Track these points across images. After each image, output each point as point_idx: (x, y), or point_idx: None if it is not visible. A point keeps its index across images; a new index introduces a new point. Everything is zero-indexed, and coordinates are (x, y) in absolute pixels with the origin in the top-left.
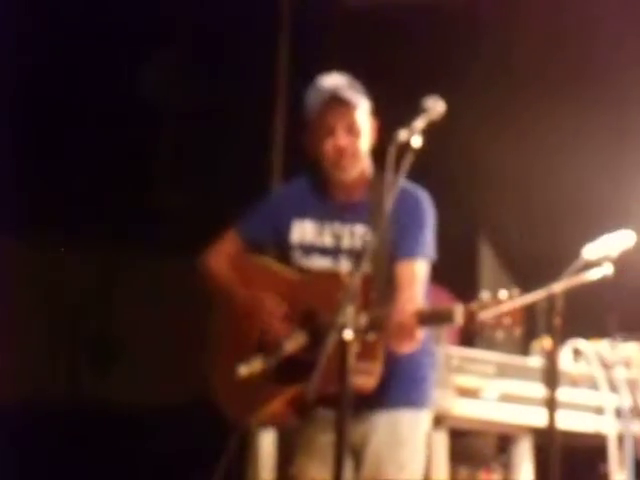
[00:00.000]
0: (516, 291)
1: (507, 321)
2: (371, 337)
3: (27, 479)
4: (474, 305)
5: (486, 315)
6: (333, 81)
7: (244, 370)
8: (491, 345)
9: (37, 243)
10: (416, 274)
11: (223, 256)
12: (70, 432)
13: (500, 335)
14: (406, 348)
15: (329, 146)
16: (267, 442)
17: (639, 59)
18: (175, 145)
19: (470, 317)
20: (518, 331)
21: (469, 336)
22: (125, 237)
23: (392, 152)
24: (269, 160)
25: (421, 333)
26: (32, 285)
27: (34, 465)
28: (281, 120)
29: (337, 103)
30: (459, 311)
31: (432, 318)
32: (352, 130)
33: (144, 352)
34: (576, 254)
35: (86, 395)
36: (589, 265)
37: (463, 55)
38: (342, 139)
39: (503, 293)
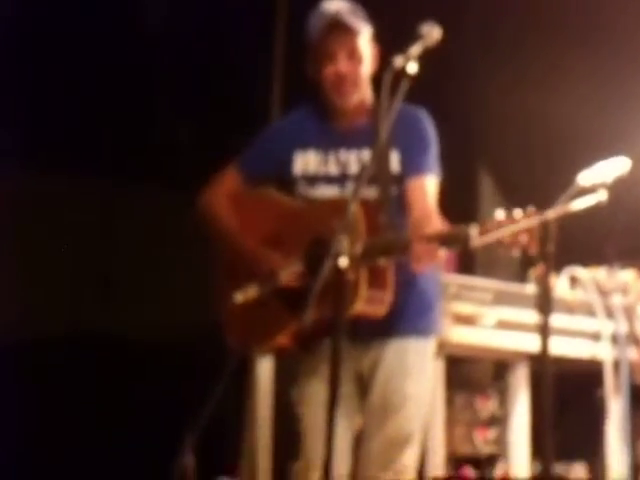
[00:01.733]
0: (532, 209)
1: (523, 239)
2: (381, 262)
3: (30, 413)
4: (489, 224)
5: (501, 234)
6: (335, 6)
7: (239, 297)
8: (489, 272)
9: (38, 180)
10: (427, 189)
11: (224, 194)
12: (72, 365)
13: (516, 254)
14: (427, 268)
15: (330, 72)
16: (266, 367)
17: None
18: (174, 78)
19: (485, 237)
20: (534, 250)
21: (467, 263)
22: (124, 172)
23: (388, 79)
24: (269, 91)
25: (442, 252)
26: (34, 222)
27: (39, 398)
28: (281, 51)
29: (338, 29)
30: (474, 231)
31: (447, 240)
32: (353, 56)
33: (146, 287)
34: (572, 182)
35: (89, 329)
36: (584, 192)
37: None
38: (343, 65)
39: (517, 211)
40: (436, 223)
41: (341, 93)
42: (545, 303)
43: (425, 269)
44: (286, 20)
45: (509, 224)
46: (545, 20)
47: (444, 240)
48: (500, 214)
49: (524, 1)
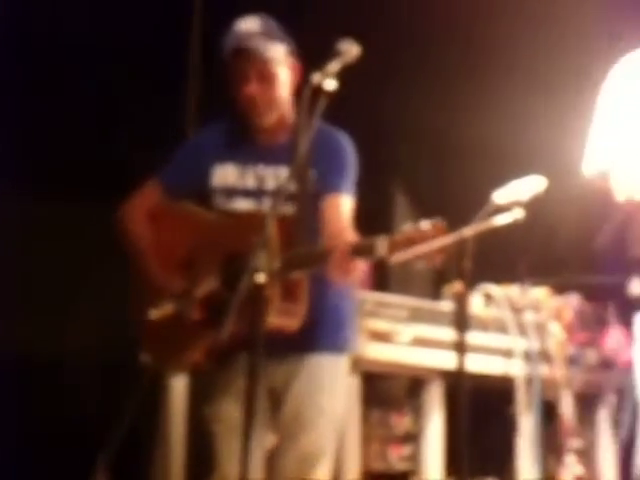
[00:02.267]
0: (439, 221)
1: (437, 257)
2: (294, 276)
3: None
4: (398, 236)
5: (415, 249)
6: (246, 27)
7: (154, 314)
8: (404, 289)
9: None
10: (342, 208)
11: (142, 208)
12: None
13: (429, 267)
14: (346, 280)
15: (243, 93)
16: (180, 384)
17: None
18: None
19: (394, 249)
20: (448, 266)
21: (382, 280)
22: (46, 186)
23: (306, 96)
24: (185, 106)
25: (358, 264)
26: None
27: None
28: (195, 66)
29: (247, 51)
30: (383, 242)
31: (358, 250)
32: (264, 78)
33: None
34: (488, 200)
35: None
36: (499, 210)
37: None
38: (254, 87)
39: (425, 223)
40: (348, 237)
41: (255, 114)
42: (461, 320)
43: (342, 280)
44: (202, 34)
45: (420, 237)
46: (458, 39)
47: (355, 250)
48: (409, 226)
49: (436, 21)
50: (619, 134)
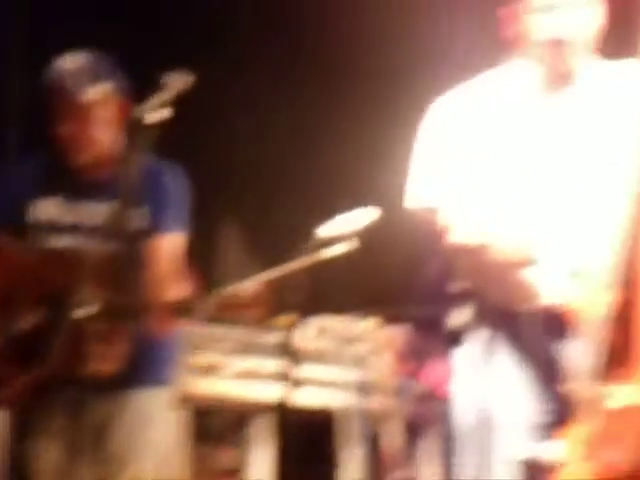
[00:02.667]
0: (263, 283)
1: (257, 313)
2: (113, 320)
3: None
4: (219, 298)
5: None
6: (65, 65)
7: None
8: (232, 322)
9: None
10: (165, 249)
11: None
12: None
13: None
14: (160, 333)
15: (59, 130)
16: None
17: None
18: None
19: (216, 309)
20: (267, 314)
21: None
22: None
23: (130, 130)
24: (4, 137)
25: (174, 320)
26: None
27: None
28: (17, 99)
29: (63, 91)
30: (204, 305)
31: (176, 309)
32: (79, 118)
33: None
34: (317, 231)
35: None
36: (330, 242)
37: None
38: (68, 127)
39: (248, 284)
40: (171, 288)
41: (73, 151)
42: (289, 352)
43: (160, 334)
44: (23, 65)
45: (242, 299)
46: (288, 70)
47: (174, 308)
48: (232, 289)
49: (268, 53)
50: (443, 173)
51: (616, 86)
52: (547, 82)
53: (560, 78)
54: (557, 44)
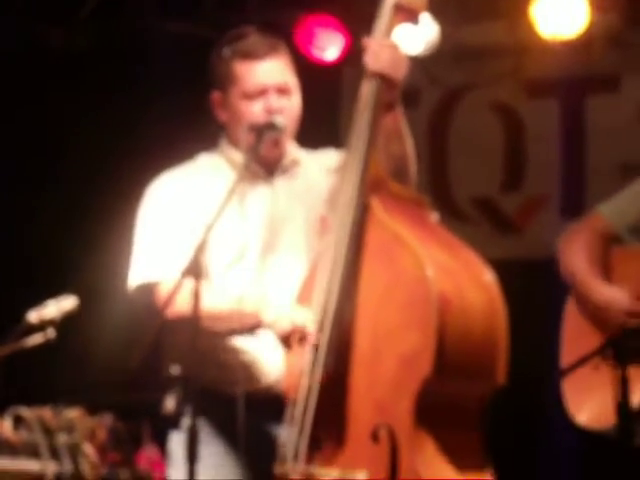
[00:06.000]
0: None
1: None
2: None
3: None
4: None
5: None
6: None
7: None
8: None
9: None
10: None
11: None
12: None
13: None
14: None
15: None
16: None
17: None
18: None
19: None
20: None
21: None
22: None
23: None
24: None
25: None
26: None
27: None
28: None
29: None
30: None
31: None
32: None
33: None
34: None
35: None
36: (34, 329)
37: None
38: None
39: None
40: None
41: None
42: None
43: None
44: None
45: None
46: None
47: None
48: None
49: None
50: (166, 249)
51: (314, 174)
52: (257, 166)
53: (270, 163)
54: (269, 128)
